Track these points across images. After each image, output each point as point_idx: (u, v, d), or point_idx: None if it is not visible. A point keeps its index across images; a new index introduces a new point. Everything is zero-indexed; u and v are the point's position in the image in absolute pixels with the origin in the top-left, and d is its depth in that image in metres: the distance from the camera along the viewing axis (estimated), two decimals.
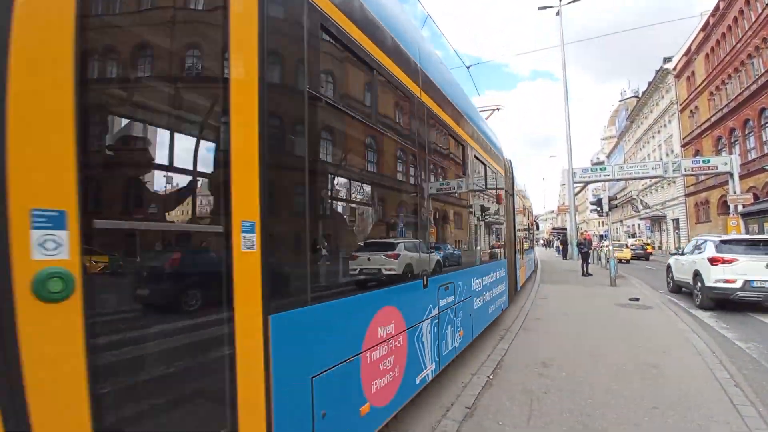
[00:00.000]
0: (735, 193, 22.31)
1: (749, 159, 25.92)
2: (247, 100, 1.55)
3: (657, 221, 43.79)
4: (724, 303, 8.01)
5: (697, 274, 8.62)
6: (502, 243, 7.41)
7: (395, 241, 3.02)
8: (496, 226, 7.10)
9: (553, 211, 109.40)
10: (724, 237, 9.26)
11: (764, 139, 24.66)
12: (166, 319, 1.42)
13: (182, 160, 1.48)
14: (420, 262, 3.17)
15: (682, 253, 10.42)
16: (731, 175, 22.95)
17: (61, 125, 1.03)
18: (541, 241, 49.40)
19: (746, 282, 7.63)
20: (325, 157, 2.26)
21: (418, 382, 3.09)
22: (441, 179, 4.13)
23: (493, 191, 6.75)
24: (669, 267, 10.96)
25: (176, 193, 1.49)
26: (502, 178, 7.43)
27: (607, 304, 8.42)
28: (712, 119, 30.68)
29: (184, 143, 1.51)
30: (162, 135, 1.47)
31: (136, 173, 1.44)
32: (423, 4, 6.96)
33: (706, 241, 9.06)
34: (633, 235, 47.11)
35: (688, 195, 35.95)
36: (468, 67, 11.11)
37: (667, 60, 40.05)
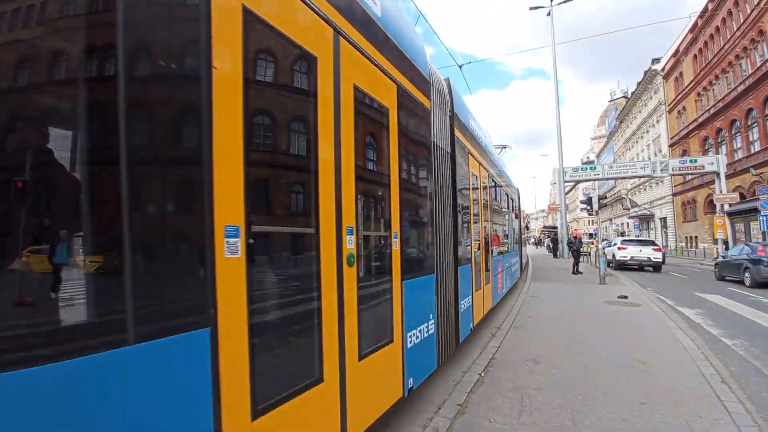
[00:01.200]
0: (721, 192, 22.75)
1: (736, 159, 26.42)
2: None
3: (645, 220, 44.43)
4: (623, 266, 17.23)
5: (612, 254, 18.01)
6: (518, 240, 11.83)
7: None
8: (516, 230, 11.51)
9: (543, 210, 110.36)
10: (624, 238, 20.82)
11: (751, 140, 25.15)
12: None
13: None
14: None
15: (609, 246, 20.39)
16: (717, 174, 23.40)
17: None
18: (532, 240, 49.81)
19: (631, 257, 17.15)
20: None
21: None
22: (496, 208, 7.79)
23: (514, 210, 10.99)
24: (604, 253, 15.71)
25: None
26: (515, 201, 11.50)
27: (597, 301, 8.52)
28: (700, 120, 31.20)
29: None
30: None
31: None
32: (417, 2, 6.94)
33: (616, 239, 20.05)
34: (622, 234, 47.72)
35: (675, 194, 36.54)
36: (461, 66, 11.13)
37: (655, 61, 40.60)
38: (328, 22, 2.09)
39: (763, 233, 17.22)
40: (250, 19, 1.60)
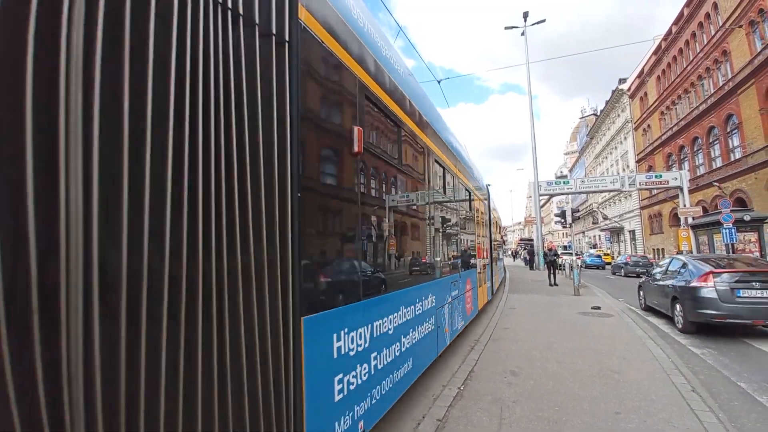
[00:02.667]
0: (685, 206, 23.85)
1: (698, 174, 27.85)
2: None
3: (616, 232, 46.05)
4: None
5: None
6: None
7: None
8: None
9: (520, 223, 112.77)
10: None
11: (712, 156, 26.62)
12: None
13: None
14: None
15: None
16: (681, 189, 24.56)
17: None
18: (509, 252, 50.68)
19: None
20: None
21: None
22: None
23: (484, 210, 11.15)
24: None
25: None
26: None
27: (572, 312, 8.70)
28: (663, 137, 32.87)
29: None
30: None
31: None
32: (397, 16, 7.10)
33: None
34: (594, 246, 49.27)
35: (642, 208, 38.13)
36: (439, 82, 11.37)
37: (622, 81, 42.73)
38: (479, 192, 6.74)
39: (726, 245, 18.07)
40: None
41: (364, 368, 2.59)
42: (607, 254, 34.84)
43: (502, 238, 20.67)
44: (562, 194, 32.78)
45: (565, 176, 61.46)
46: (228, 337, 1.55)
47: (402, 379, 3.28)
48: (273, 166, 1.80)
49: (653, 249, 34.68)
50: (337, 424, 2.22)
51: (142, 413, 1.22)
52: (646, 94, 36.86)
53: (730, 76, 23.89)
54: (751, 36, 21.89)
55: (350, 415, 2.37)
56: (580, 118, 67.29)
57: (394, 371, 3.11)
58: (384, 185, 3.18)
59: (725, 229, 17.60)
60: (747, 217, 18.22)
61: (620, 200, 43.72)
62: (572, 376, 4.43)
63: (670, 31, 31.43)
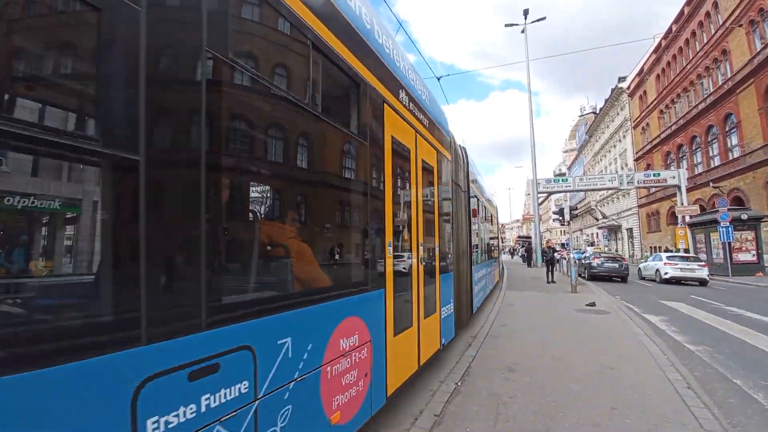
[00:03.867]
0: (683, 204, 23.95)
1: (696, 173, 27.93)
2: None
3: (613, 230, 46.19)
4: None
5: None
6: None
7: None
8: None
9: (518, 220, 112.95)
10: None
11: (711, 155, 26.68)
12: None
13: None
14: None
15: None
16: (679, 188, 24.64)
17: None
18: (507, 249, 50.80)
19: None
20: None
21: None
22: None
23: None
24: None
25: None
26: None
27: (569, 309, 8.74)
28: (662, 136, 32.92)
29: None
30: None
31: None
32: (399, 9, 7.08)
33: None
34: (592, 244, 49.43)
35: (640, 206, 38.24)
36: (439, 79, 11.33)
37: (621, 79, 42.71)
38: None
39: (723, 244, 18.15)
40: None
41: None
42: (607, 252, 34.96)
43: (497, 227, 16.75)
44: (561, 192, 32.86)
45: (564, 174, 61.57)
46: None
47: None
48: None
49: (651, 247, 34.84)
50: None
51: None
52: (645, 92, 36.87)
53: (729, 76, 23.91)
54: (751, 35, 21.88)
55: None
56: (580, 116, 67.29)
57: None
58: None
59: (722, 227, 17.69)
60: (744, 216, 18.31)
61: (618, 198, 43.82)
62: (569, 372, 4.46)
63: (670, 30, 31.41)
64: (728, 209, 18.15)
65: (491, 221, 11.98)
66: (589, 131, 55.34)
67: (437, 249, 4.68)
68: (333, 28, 2.41)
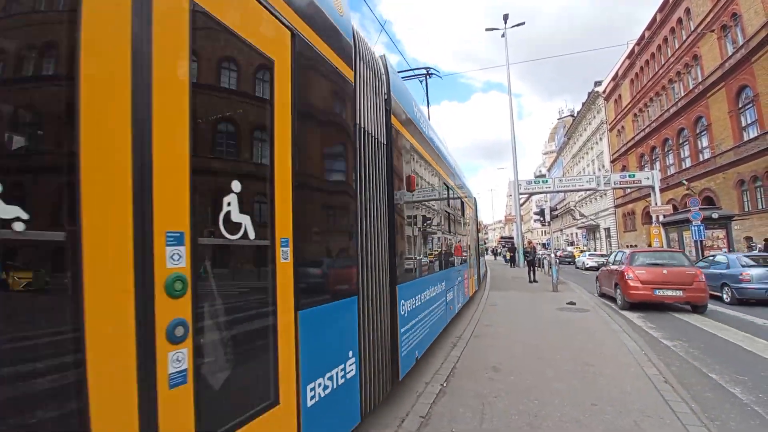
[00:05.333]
0: (656, 204, 24.73)
1: (669, 174, 28.91)
2: None
3: (592, 230, 47.32)
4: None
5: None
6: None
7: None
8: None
9: (500, 221, 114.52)
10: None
11: (682, 156, 27.67)
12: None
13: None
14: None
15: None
16: (653, 188, 25.45)
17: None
18: (489, 251, 51.41)
19: None
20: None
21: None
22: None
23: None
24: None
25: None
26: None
27: (550, 308, 8.90)
28: (636, 138, 33.96)
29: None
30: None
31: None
32: (382, 10, 7.05)
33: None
34: (572, 243, 50.52)
35: (617, 206, 39.32)
36: (421, 81, 11.39)
37: (597, 83, 43.91)
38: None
39: (695, 242, 18.80)
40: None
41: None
42: (583, 250, 35.85)
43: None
44: (541, 193, 33.49)
45: (544, 175, 62.78)
46: None
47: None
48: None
49: (627, 246, 35.84)
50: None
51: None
52: (620, 96, 37.99)
53: (700, 80, 24.84)
54: (722, 40, 22.78)
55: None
56: (558, 119, 68.85)
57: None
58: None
59: (694, 226, 18.31)
60: (715, 215, 19.00)
61: (596, 199, 44.95)
62: (551, 370, 4.53)
63: (643, 36, 32.46)
64: (699, 209, 18.82)
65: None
66: (567, 134, 56.63)
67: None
68: None
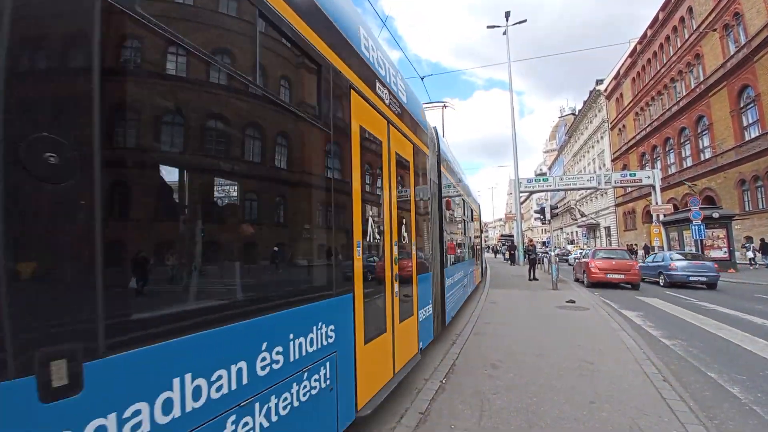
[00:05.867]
0: (657, 203, 24.70)
1: (670, 173, 28.88)
2: None
3: (592, 228, 47.33)
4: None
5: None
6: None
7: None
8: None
9: (500, 219, 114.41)
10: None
11: (683, 156, 27.63)
12: None
13: None
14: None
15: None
16: (653, 187, 25.41)
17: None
18: (490, 249, 51.45)
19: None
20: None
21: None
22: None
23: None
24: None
25: None
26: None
27: (550, 306, 8.91)
28: (637, 137, 33.91)
29: None
30: None
31: None
32: (384, 5, 7.07)
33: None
34: (572, 242, 50.54)
35: (617, 205, 39.32)
36: (422, 78, 11.38)
37: (599, 82, 43.80)
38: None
39: (695, 241, 18.80)
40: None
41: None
42: (582, 248, 35.79)
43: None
44: (541, 191, 33.46)
45: (545, 174, 62.71)
46: None
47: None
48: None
49: (627, 244, 35.88)
50: None
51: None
52: (621, 95, 37.91)
53: (702, 79, 24.78)
54: (724, 39, 22.70)
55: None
56: (560, 117, 68.75)
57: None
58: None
59: (694, 225, 18.31)
60: (716, 215, 19.00)
61: (596, 198, 44.93)
62: (550, 367, 4.54)
63: (645, 35, 32.35)
64: (700, 208, 18.82)
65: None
66: (568, 132, 56.56)
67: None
68: None
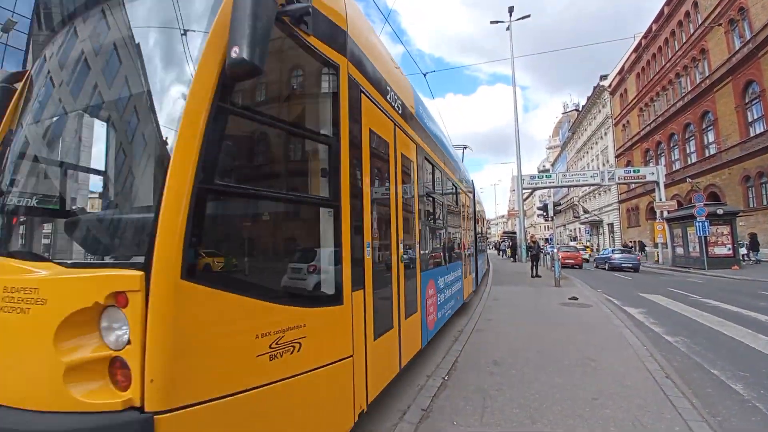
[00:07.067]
0: (661, 200, 24.59)
1: (674, 169, 28.71)
2: None
3: (595, 225, 47.17)
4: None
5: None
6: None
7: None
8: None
9: (503, 216, 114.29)
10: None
11: (687, 152, 27.44)
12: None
13: None
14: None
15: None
16: (657, 184, 25.29)
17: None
18: (492, 245, 51.39)
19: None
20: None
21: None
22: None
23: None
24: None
25: None
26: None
27: (553, 303, 8.91)
28: (642, 133, 33.69)
29: None
30: None
31: None
32: (387, 0, 7.04)
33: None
34: (575, 239, 50.40)
35: (621, 201, 39.13)
36: (425, 75, 11.34)
37: (603, 77, 43.49)
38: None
39: (699, 238, 18.71)
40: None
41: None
42: (588, 247, 35.69)
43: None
44: (544, 188, 33.38)
45: (548, 170, 62.47)
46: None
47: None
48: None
49: (630, 241, 35.76)
50: None
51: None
52: (626, 90, 37.63)
53: (707, 74, 24.56)
54: (730, 34, 22.49)
55: None
56: (563, 113, 68.37)
57: None
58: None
59: (698, 222, 18.21)
60: (720, 211, 18.90)
61: (600, 194, 44.74)
62: (552, 364, 4.54)
63: (650, 29, 32.05)
64: (704, 204, 18.71)
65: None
66: (572, 128, 56.25)
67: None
68: None
